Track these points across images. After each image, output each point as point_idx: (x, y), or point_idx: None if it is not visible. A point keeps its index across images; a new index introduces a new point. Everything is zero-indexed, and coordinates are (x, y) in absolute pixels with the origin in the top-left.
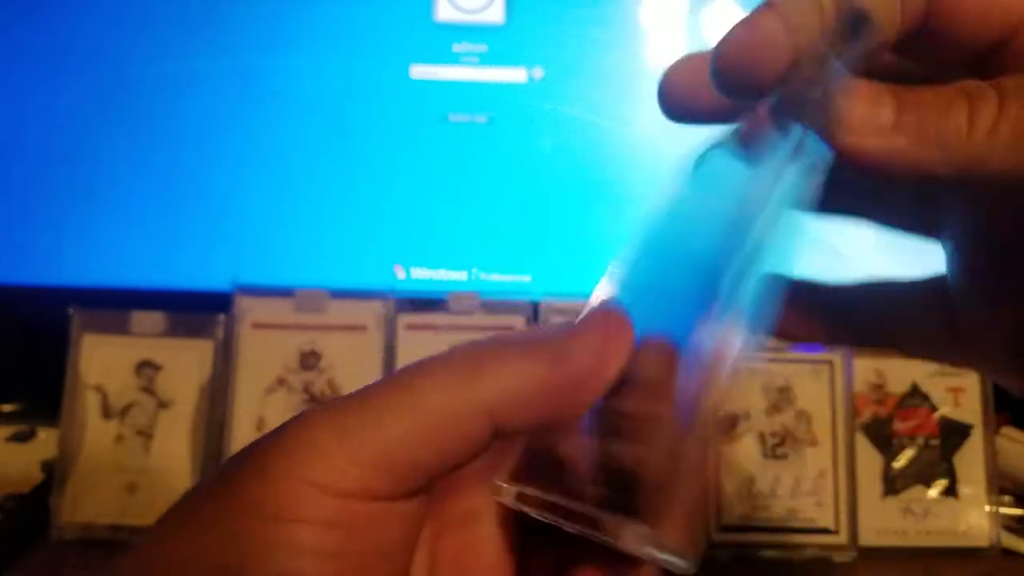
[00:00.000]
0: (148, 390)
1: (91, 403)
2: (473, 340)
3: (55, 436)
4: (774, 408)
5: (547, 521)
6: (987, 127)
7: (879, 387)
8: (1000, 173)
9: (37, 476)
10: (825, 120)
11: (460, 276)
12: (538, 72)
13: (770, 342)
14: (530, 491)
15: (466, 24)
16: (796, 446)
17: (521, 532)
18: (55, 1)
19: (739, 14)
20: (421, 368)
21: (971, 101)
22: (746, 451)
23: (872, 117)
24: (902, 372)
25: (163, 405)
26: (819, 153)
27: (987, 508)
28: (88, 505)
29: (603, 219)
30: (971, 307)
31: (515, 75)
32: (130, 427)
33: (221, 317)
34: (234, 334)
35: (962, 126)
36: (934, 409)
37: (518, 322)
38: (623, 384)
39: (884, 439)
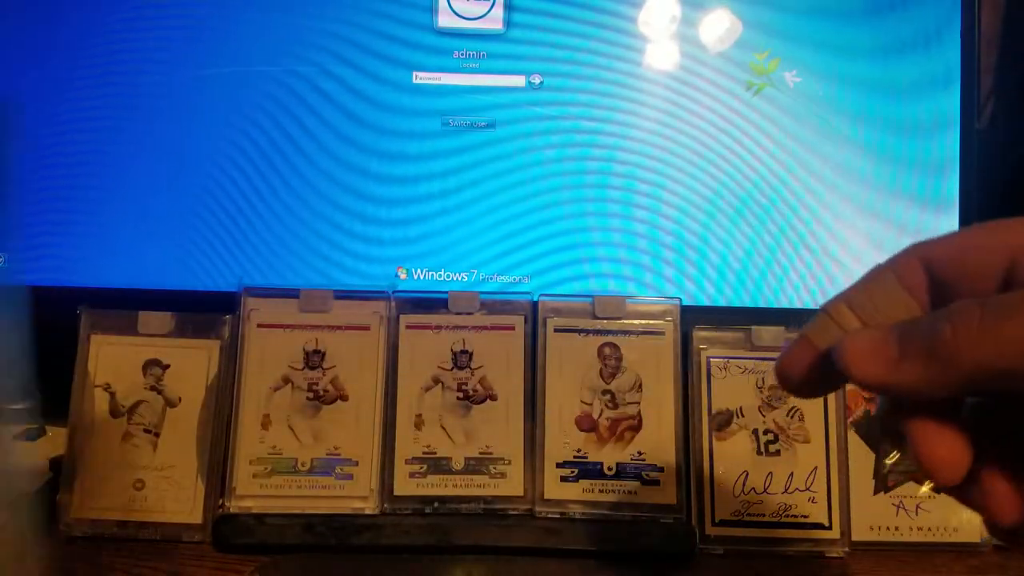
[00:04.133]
0: (155, 389)
1: (99, 401)
2: None
3: (64, 434)
4: (767, 405)
5: None
6: (973, 333)
7: None
8: (1001, 372)
9: (46, 473)
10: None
11: (460, 277)
12: (536, 78)
13: (761, 340)
14: None
15: (466, 31)
16: (789, 443)
17: None
18: (70, 11)
19: (731, 19)
20: None
21: (951, 317)
22: (740, 447)
23: (885, 354)
24: None
25: (170, 404)
26: None
27: None
28: (96, 502)
29: (600, 221)
30: None
31: (514, 81)
32: (138, 425)
33: (227, 317)
34: (240, 334)
35: (948, 338)
36: None
37: (518, 322)
38: None
39: (876, 436)
